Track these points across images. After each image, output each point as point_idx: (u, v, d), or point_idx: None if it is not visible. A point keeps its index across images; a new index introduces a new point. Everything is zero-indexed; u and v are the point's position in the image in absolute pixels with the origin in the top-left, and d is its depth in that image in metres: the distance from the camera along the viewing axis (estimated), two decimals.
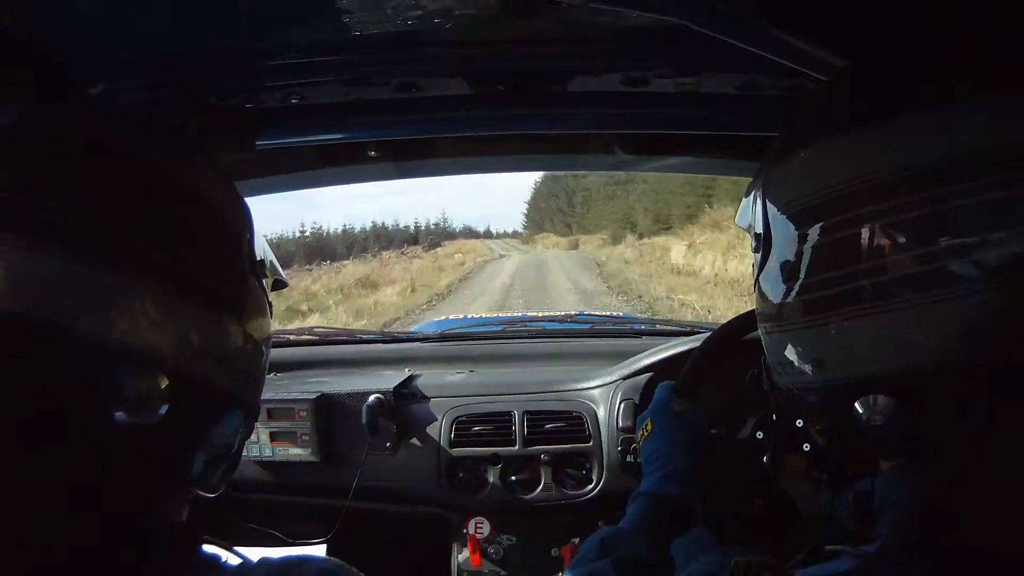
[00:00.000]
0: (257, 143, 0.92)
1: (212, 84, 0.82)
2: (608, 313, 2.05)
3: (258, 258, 0.59)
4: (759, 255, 0.57)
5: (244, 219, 0.58)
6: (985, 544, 0.46)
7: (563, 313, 2.00)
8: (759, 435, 1.13)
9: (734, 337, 1.01)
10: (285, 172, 1.12)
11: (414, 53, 0.80)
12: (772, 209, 0.55)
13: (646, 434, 0.91)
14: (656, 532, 0.76)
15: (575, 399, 1.42)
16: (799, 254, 0.51)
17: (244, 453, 1.33)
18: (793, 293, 0.52)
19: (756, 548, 0.55)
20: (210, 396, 0.53)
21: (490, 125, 1.00)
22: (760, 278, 0.57)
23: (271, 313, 0.61)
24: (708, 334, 1.06)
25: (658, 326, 1.84)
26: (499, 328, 1.88)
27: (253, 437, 1.36)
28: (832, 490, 0.97)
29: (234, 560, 0.57)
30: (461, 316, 2.26)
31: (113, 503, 0.48)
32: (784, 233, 0.53)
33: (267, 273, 0.61)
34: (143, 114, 0.58)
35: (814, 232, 0.50)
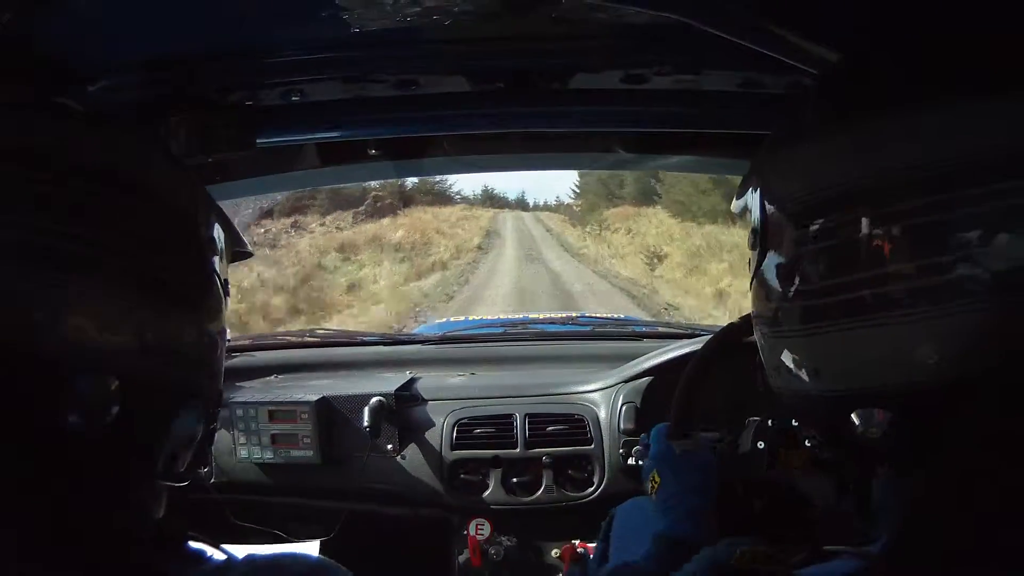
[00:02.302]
0: (257, 141, 0.92)
1: (212, 82, 0.82)
2: (609, 315, 2.04)
3: (213, 235, 0.58)
4: (756, 252, 0.55)
5: (195, 198, 0.57)
6: (983, 548, 0.46)
7: (564, 315, 2.00)
8: (760, 445, 1.12)
9: (713, 359, 1.00)
10: (285, 170, 1.12)
11: (414, 50, 0.80)
12: (770, 207, 0.53)
13: (656, 486, 0.90)
14: (667, 570, 0.75)
15: (576, 401, 1.42)
16: (797, 257, 0.49)
17: (246, 455, 1.35)
18: (790, 297, 0.50)
19: (762, 541, 0.55)
20: (164, 391, 0.53)
21: (490, 123, 1.00)
22: (757, 277, 0.55)
23: (227, 292, 0.60)
24: (709, 336, 1.05)
25: (659, 328, 1.84)
26: (500, 330, 1.88)
27: (255, 439, 1.36)
28: (832, 489, 0.96)
29: (219, 556, 0.56)
30: (462, 318, 2.25)
31: (80, 501, 0.48)
32: (782, 233, 0.51)
33: (222, 251, 0.60)
34: (93, 110, 0.57)
35: (813, 236, 0.48)
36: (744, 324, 1.00)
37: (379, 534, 1.41)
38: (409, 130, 1.02)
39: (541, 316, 2.02)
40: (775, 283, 0.52)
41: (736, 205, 0.62)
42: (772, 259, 0.52)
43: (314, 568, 0.54)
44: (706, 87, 0.90)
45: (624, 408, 1.34)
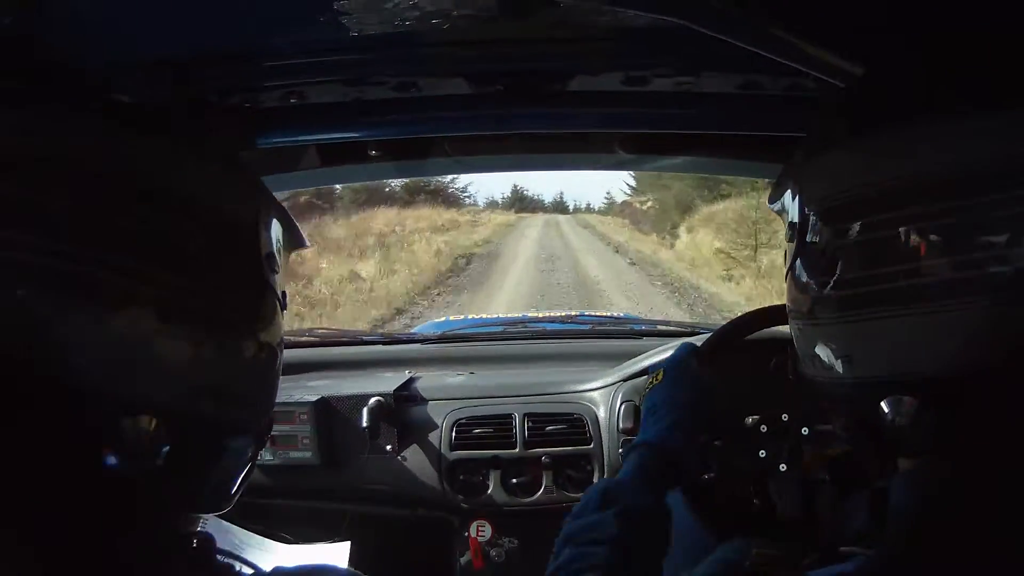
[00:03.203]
0: (257, 142, 0.92)
1: (212, 83, 0.82)
2: (608, 314, 2.04)
3: (271, 250, 0.56)
4: (793, 244, 0.58)
5: (260, 216, 0.55)
6: (998, 550, 0.46)
7: (563, 314, 2.00)
8: (763, 428, 1.12)
9: (765, 322, 1.01)
10: (285, 171, 1.12)
11: (413, 53, 0.80)
12: (809, 201, 0.56)
13: (655, 382, 0.89)
14: (656, 482, 0.74)
15: (576, 401, 1.41)
16: (834, 249, 0.52)
17: None
18: (826, 288, 0.53)
19: (775, 543, 0.55)
20: (215, 428, 0.52)
21: (490, 125, 1.00)
22: (793, 269, 0.58)
23: (284, 306, 0.58)
24: (708, 335, 1.06)
25: (659, 327, 1.84)
26: (499, 329, 1.87)
27: None
28: (843, 491, 0.96)
29: (247, 570, 0.56)
30: (461, 317, 2.25)
31: (121, 525, 0.47)
32: (819, 227, 0.54)
33: (278, 267, 0.57)
34: (136, 116, 0.55)
35: (850, 229, 0.51)
36: (748, 320, 1.01)
37: (380, 536, 1.41)
38: (409, 132, 1.02)
39: (540, 315, 2.02)
40: (810, 274, 0.55)
41: (772, 203, 0.65)
42: (808, 252, 0.55)
43: (312, 572, 0.54)
44: (706, 89, 0.90)
45: (623, 407, 1.34)
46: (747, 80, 0.87)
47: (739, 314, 1.08)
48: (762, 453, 1.08)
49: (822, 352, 0.54)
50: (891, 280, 0.48)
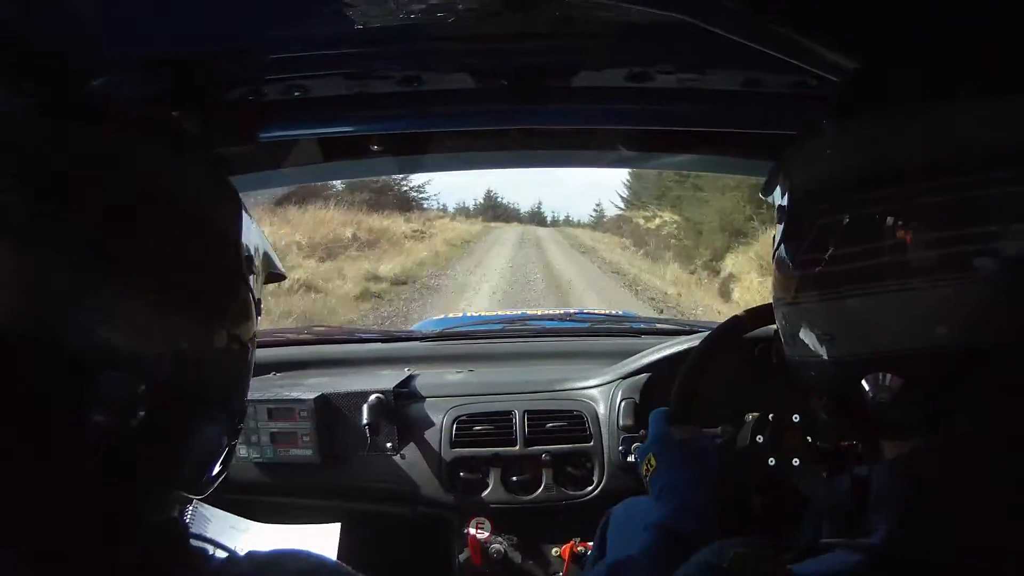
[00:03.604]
0: (260, 136, 0.91)
1: (214, 77, 0.81)
2: (607, 311, 2.04)
3: (250, 254, 0.58)
4: (781, 226, 0.59)
5: (237, 217, 0.57)
6: (986, 536, 0.46)
7: (562, 311, 2.00)
8: (759, 439, 1.12)
9: (719, 347, 1.00)
10: (287, 166, 1.11)
11: (417, 47, 0.80)
12: (795, 183, 0.58)
13: (651, 469, 0.88)
14: (668, 565, 0.75)
15: (575, 398, 1.42)
16: (816, 229, 0.53)
17: (245, 455, 1.34)
18: (808, 265, 0.54)
19: (754, 540, 0.55)
20: (193, 400, 0.53)
21: (493, 120, 1.00)
22: (779, 249, 0.59)
23: (259, 311, 0.61)
24: (707, 332, 1.06)
25: (657, 325, 1.84)
26: (498, 327, 1.87)
27: (254, 439, 1.35)
28: (829, 479, 0.96)
29: (221, 554, 0.57)
30: (460, 315, 2.25)
31: (97, 503, 0.48)
32: (805, 207, 0.56)
33: (258, 270, 0.60)
34: (137, 113, 0.57)
35: (834, 209, 0.52)
36: (746, 319, 1.01)
37: (379, 533, 1.41)
38: (412, 126, 1.01)
39: (539, 312, 2.02)
40: (795, 253, 0.57)
41: (765, 189, 0.66)
42: (794, 231, 0.57)
43: (312, 568, 0.54)
44: (709, 86, 0.91)
45: (623, 404, 1.34)
46: (750, 77, 0.88)
47: None
48: (759, 438, 1.09)
49: (805, 334, 0.56)
50: (871, 257, 0.50)
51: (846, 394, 0.53)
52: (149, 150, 0.53)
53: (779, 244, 0.59)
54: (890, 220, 0.49)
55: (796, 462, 1.10)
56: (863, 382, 0.51)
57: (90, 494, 0.47)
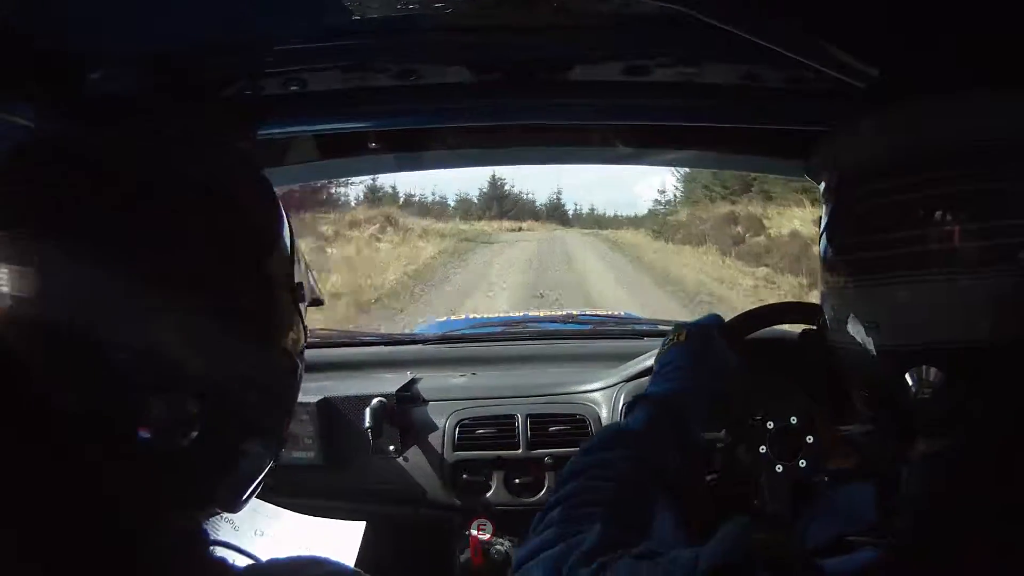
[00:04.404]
0: (257, 132, 0.91)
1: (211, 72, 0.82)
2: (609, 313, 2.03)
3: (297, 280, 0.58)
4: (828, 207, 0.59)
5: (289, 242, 0.57)
6: (1016, 536, 0.45)
7: (564, 314, 1.99)
8: (762, 449, 1.11)
9: (796, 312, 0.99)
10: (285, 163, 1.11)
11: (414, 39, 0.80)
12: (845, 167, 0.57)
13: (676, 342, 0.86)
14: (663, 436, 0.74)
15: (578, 401, 1.41)
16: (861, 214, 0.53)
17: None
18: (853, 249, 0.54)
19: (775, 529, 0.54)
20: (244, 422, 0.53)
21: (491, 115, 1.00)
22: (826, 234, 0.58)
23: (306, 336, 0.61)
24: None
25: (660, 327, 1.83)
26: (500, 330, 1.87)
27: None
28: (833, 482, 0.95)
29: (242, 561, 0.56)
30: (463, 317, 2.24)
31: (130, 517, 0.47)
32: (853, 191, 0.55)
33: (304, 296, 0.60)
34: (192, 130, 0.58)
35: (883, 194, 0.52)
36: (781, 308, 1.00)
37: (381, 535, 1.40)
38: (409, 121, 1.01)
39: (541, 314, 2.01)
40: (841, 237, 0.56)
41: (810, 171, 0.66)
42: (841, 215, 0.57)
43: (334, 573, 0.54)
44: (708, 80, 0.90)
45: (625, 408, 1.33)
46: (750, 71, 0.87)
47: None
48: (763, 449, 1.08)
49: (851, 323, 0.54)
50: (919, 244, 0.49)
51: (890, 387, 0.52)
52: (209, 166, 0.53)
53: (825, 228, 0.58)
54: (938, 206, 0.48)
55: (803, 463, 1.09)
56: (907, 375, 0.50)
57: (126, 508, 0.46)
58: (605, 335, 1.81)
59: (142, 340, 0.46)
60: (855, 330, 0.54)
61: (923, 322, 0.49)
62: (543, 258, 13.46)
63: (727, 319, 0.95)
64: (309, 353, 1.68)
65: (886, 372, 0.52)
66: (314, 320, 0.69)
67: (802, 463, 0.98)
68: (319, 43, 0.79)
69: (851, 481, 0.94)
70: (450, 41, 0.81)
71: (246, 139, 0.89)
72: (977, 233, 0.47)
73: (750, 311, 1.01)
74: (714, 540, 0.54)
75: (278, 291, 0.55)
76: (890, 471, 0.57)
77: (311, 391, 1.41)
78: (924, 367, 0.49)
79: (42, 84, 0.70)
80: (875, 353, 0.53)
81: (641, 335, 1.74)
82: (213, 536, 0.58)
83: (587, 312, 2.04)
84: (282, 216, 0.58)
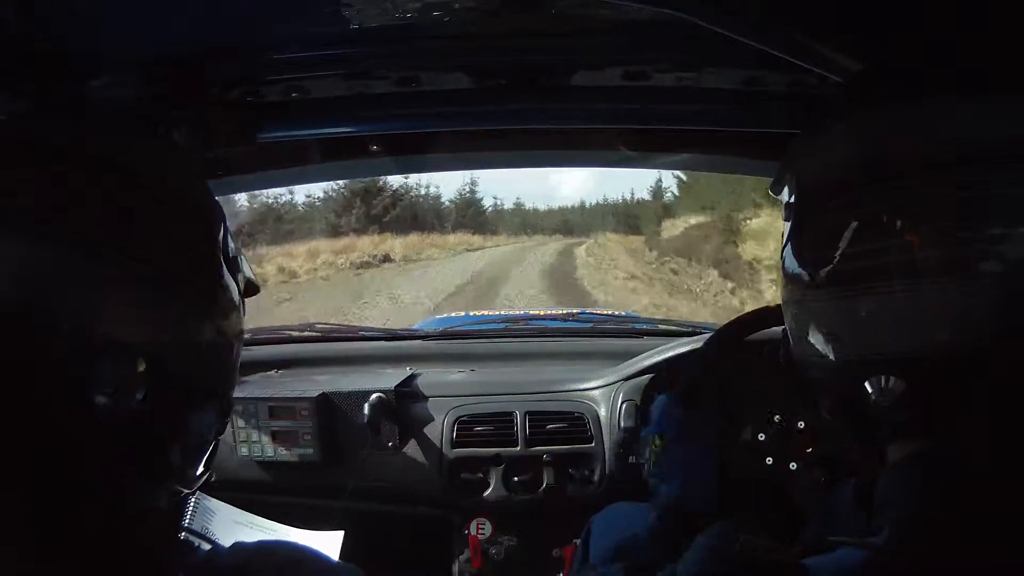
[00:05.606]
0: (258, 136, 0.92)
1: (213, 77, 0.82)
2: (610, 312, 2.04)
3: (233, 256, 0.60)
4: (789, 224, 0.58)
5: (218, 215, 0.59)
6: (990, 538, 0.46)
7: (565, 311, 1.99)
8: (760, 437, 1.12)
9: (731, 340, 1.00)
10: (286, 166, 1.12)
11: (415, 47, 0.80)
12: (803, 181, 0.57)
13: (658, 449, 0.89)
14: (672, 541, 0.74)
15: (577, 399, 1.41)
16: (826, 227, 0.53)
17: (246, 453, 1.34)
18: (816, 265, 0.54)
19: (760, 532, 0.55)
20: (185, 387, 0.55)
21: (491, 120, 1.00)
22: (787, 248, 0.58)
23: (243, 310, 0.62)
24: (709, 334, 1.05)
25: (660, 326, 1.83)
26: (500, 326, 1.87)
27: (255, 437, 1.36)
28: (831, 485, 0.96)
29: (207, 546, 0.57)
30: (463, 314, 2.25)
31: (87, 491, 0.48)
32: (813, 205, 0.55)
33: (241, 270, 0.62)
34: (122, 113, 0.59)
35: (842, 207, 0.51)
36: (747, 321, 1.00)
37: (379, 533, 1.41)
38: (410, 126, 1.01)
39: (542, 312, 2.01)
40: (803, 251, 0.56)
41: (774, 187, 0.66)
42: (801, 229, 0.56)
43: (297, 559, 0.55)
44: (708, 84, 0.90)
45: (624, 406, 1.33)
46: (749, 76, 0.87)
47: None
48: (766, 458, 1.09)
49: (812, 334, 0.55)
50: (879, 256, 0.49)
51: (850, 397, 0.52)
52: (147, 148, 0.55)
53: (787, 242, 0.58)
54: (897, 217, 0.48)
55: (793, 466, 1.11)
56: (866, 384, 0.50)
57: (81, 480, 0.48)
58: (605, 333, 1.81)
59: (78, 307, 0.48)
60: (816, 342, 0.55)
61: (884, 333, 0.50)
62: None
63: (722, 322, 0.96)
64: (308, 348, 1.70)
65: (848, 382, 0.52)
66: None
67: (792, 465, 0.99)
68: (320, 51, 0.79)
69: (837, 483, 0.96)
70: (450, 49, 0.81)
71: (248, 143, 0.89)
72: (938, 243, 0.47)
73: (691, 367, 1.01)
74: (691, 550, 0.55)
75: (213, 265, 0.57)
76: (866, 475, 0.58)
77: (310, 386, 1.42)
78: (884, 376, 0.50)
79: (41, 86, 0.70)
80: (837, 364, 0.53)
81: (641, 334, 1.74)
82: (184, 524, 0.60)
83: (587, 310, 2.04)
84: (211, 195, 0.60)
